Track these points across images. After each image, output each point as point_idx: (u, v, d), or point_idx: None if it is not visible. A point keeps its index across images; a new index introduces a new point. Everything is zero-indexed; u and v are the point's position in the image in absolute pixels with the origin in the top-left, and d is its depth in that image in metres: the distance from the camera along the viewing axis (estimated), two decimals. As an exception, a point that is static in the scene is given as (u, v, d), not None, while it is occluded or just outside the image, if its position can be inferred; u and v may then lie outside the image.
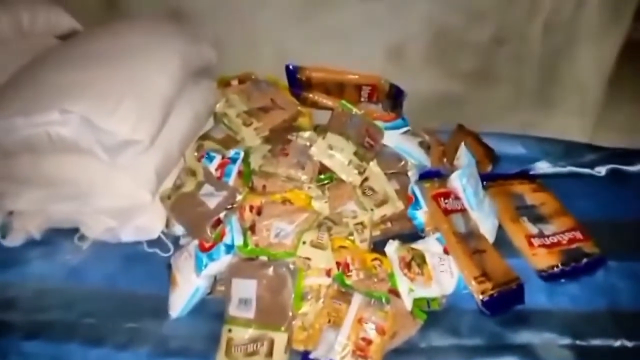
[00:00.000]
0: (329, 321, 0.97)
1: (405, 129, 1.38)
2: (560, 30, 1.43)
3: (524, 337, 1.03)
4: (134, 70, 1.19)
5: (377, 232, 1.20)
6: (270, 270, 1.00)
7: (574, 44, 1.45)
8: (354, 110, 1.37)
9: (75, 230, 1.20)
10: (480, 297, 1.04)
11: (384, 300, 0.98)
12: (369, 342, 0.94)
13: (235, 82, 1.51)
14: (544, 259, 1.15)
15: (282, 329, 0.96)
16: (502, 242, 1.20)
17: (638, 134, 1.52)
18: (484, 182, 1.29)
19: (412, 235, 1.19)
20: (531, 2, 1.40)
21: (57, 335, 1.02)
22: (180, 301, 1.05)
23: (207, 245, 1.06)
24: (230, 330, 0.97)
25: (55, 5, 1.44)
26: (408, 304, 1.02)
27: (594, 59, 1.47)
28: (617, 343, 1.02)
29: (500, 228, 1.23)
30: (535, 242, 1.19)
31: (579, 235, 1.20)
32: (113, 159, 1.09)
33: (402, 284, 1.04)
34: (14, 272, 1.15)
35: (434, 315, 1.05)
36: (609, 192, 1.38)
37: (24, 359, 1.01)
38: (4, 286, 1.12)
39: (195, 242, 1.09)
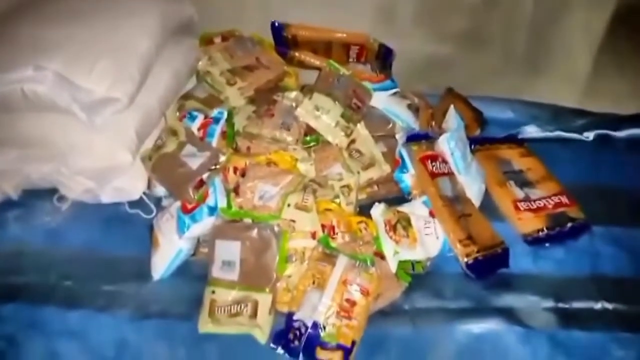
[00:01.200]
0: (313, 283, 0.96)
1: (393, 90, 1.35)
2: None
3: (508, 300, 1.04)
4: (111, 28, 1.15)
5: (363, 195, 1.19)
6: (255, 233, 0.99)
7: (565, 10, 1.44)
8: (342, 70, 1.33)
9: (54, 191, 1.17)
10: (465, 260, 1.04)
11: (369, 262, 0.98)
12: (353, 303, 0.93)
13: (218, 40, 1.45)
14: (530, 223, 1.16)
15: (267, 290, 0.96)
16: (488, 206, 1.20)
17: (626, 100, 1.51)
18: (472, 146, 1.28)
19: (398, 198, 1.18)
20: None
21: (34, 298, 1.00)
22: (162, 263, 1.03)
23: (189, 206, 1.04)
24: (213, 292, 0.96)
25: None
26: (393, 267, 1.02)
27: (584, 25, 1.46)
28: (598, 305, 1.03)
29: (486, 192, 1.23)
30: (521, 206, 1.19)
31: (564, 200, 1.20)
32: (91, 118, 1.05)
33: (388, 246, 1.03)
34: (-10, 234, 1.12)
35: (419, 277, 1.05)
36: (596, 158, 1.39)
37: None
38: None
39: (178, 203, 1.07)
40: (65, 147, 1.09)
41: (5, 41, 1.08)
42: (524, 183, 1.24)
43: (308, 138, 1.22)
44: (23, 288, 1.02)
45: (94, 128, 1.07)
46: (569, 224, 1.15)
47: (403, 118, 1.30)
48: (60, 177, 1.13)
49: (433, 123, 1.32)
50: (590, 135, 1.44)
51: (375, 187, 1.20)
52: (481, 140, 1.35)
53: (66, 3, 1.20)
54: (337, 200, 1.11)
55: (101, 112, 1.05)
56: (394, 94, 1.36)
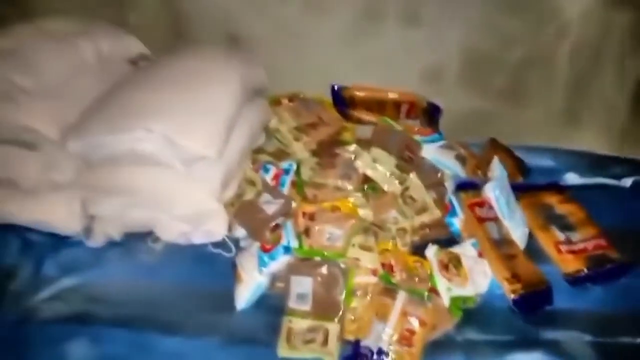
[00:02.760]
0: (376, 314, 1.10)
1: (441, 142, 1.51)
2: (586, 53, 1.54)
3: (552, 334, 1.13)
4: (202, 92, 1.35)
5: (416, 237, 1.32)
6: (324, 269, 1.15)
7: (599, 65, 1.57)
8: (395, 125, 1.51)
9: (150, 233, 1.36)
10: (512, 296, 1.16)
11: (425, 296, 1.11)
12: (412, 332, 1.07)
13: (285, 101, 1.65)
14: (571, 264, 1.26)
15: (336, 320, 1.10)
16: (532, 248, 1.31)
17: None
18: (515, 193, 1.41)
19: (448, 240, 1.31)
20: (558, 27, 1.52)
21: (137, 325, 1.16)
22: (244, 295, 1.19)
23: (267, 246, 1.21)
24: (290, 321, 1.11)
25: (128, 33, 1.61)
26: (446, 301, 1.15)
27: (618, 78, 1.59)
28: (638, 340, 1.12)
29: (530, 236, 1.34)
30: (563, 248, 1.30)
31: (603, 242, 1.30)
32: (187, 170, 1.25)
33: (441, 283, 1.16)
34: (97, 270, 1.30)
35: (469, 312, 1.17)
36: (634, 203, 1.48)
37: (109, 343, 1.15)
38: (90, 282, 1.27)
39: (257, 243, 1.24)
40: (164, 196, 1.30)
41: (116, 106, 1.30)
42: (565, 227, 1.35)
43: (366, 186, 1.38)
44: (128, 317, 1.18)
45: (190, 180, 1.28)
46: (608, 265, 1.26)
47: (451, 167, 1.45)
48: (158, 222, 1.33)
49: (479, 172, 1.46)
50: (628, 182, 1.55)
51: (427, 230, 1.34)
52: (524, 187, 1.47)
53: (162, 72, 1.43)
54: (394, 242, 1.26)
55: (196, 165, 1.26)
56: (442, 145, 1.51)
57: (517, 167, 1.55)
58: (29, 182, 1.34)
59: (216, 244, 1.33)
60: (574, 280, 1.24)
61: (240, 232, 1.34)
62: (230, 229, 1.35)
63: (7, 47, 1.35)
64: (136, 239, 1.36)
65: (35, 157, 1.34)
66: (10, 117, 1.30)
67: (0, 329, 1.18)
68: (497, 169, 1.37)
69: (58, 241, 1.36)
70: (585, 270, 1.24)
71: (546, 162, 1.60)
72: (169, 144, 1.23)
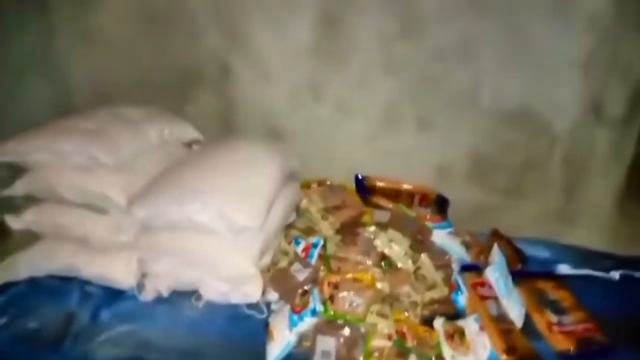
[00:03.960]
0: (390, 373, 1.28)
1: (449, 229, 1.74)
2: (575, 161, 1.81)
3: (543, 404, 1.30)
4: (248, 175, 1.61)
5: (426, 311, 1.51)
6: (346, 331, 1.34)
7: (587, 172, 1.82)
8: (409, 212, 1.75)
9: (193, 292, 1.56)
10: (508, 366, 1.33)
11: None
12: (421, 391, 1.24)
13: (315, 185, 1.91)
14: (562, 343, 1.43)
15: (355, 376, 1.28)
16: (528, 327, 1.49)
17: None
18: (514, 277, 1.60)
19: (454, 315, 1.50)
20: (552, 138, 1.79)
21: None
22: (275, 351, 1.37)
23: (297, 308, 1.41)
24: (315, 375, 1.29)
25: (185, 121, 1.90)
26: (451, 367, 1.32)
27: (606, 183, 1.83)
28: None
29: (526, 316, 1.52)
30: (555, 329, 1.47)
31: (591, 326, 1.48)
32: (235, 239, 1.48)
33: (447, 351, 1.34)
34: (147, 321, 1.49)
35: (471, 379, 1.34)
36: (621, 294, 1.66)
37: None
38: (140, 331, 1.46)
39: (287, 306, 1.44)
40: (210, 259, 1.52)
41: (179, 182, 1.56)
42: (557, 310, 1.53)
43: (383, 263, 1.59)
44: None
45: (233, 247, 1.50)
46: (594, 346, 1.42)
47: (457, 252, 1.67)
48: (202, 282, 1.53)
49: (482, 257, 1.67)
50: (616, 275, 1.73)
51: (436, 305, 1.53)
52: (522, 274, 1.67)
53: (215, 156, 1.69)
54: (407, 313, 1.45)
55: (242, 235, 1.49)
56: (450, 232, 1.74)
57: (516, 255, 1.75)
58: (97, 241, 1.57)
59: (250, 306, 1.53)
60: (564, 358, 1.40)
61: (272, 296, 1.54)
62: (263, 292, 1.55)
63: (92, 128, 1.63)
64: (181, 296, 1.56)
65: (105, 220, 1.58)
66: (89, 186, 1.56)
67: (63, 367, 1.36)
68: (496, 254, 1.59)
69: (113, 294, 1.57)
70: (573, 350, 1.41)
71: (542, 253, 1.80)
72: (221, 216, 1.47)
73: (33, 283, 1.59)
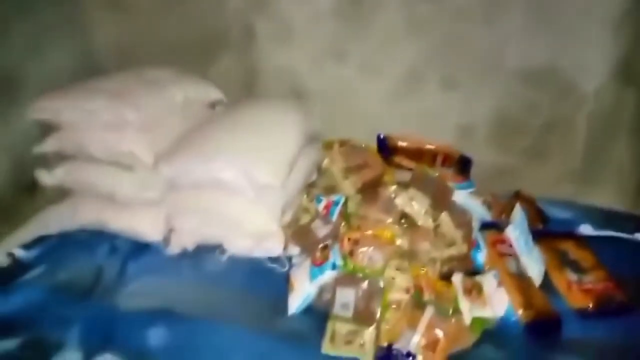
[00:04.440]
0: (407, 324, 1.31)
1: (471, 189, 1.74)
2: (601, 122, 1.78)
3: (559, 359, 1.31)
4: (270, 134, 1.63)
5: (445, 267, 1.52)
6: (365, 284, 1.37)
7: (613, 133, 1.79)
8: (431, 172, 1.75)
9: (217, 246, 1.61)
10: (525, 320, 1.35)
11: (450, 312, 1.31)
12: (437, 341, 1.26)
13: (337, 145, 1.91)
14: (580, 300, 1.44)
15: (373, 327, 1.31)
16: (547, 285, 1.49)
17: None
18: (535, 237, 1.60)
19: (472, 271, 1.51)
20: (576, 99, 1.76)
21: (205, 318, 1.38)
22: (296, 301, 1.41)
23: (318, 262, 1.45)
24: (334, 325, 1.32)
25: (208, 82, 1.93)
26: (467, 320, 1.34)
27: (630, 145, 1.79)
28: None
29: (546, 275, 1.53)
30: (574, 287, 1.48)
31: (611, 285, 1.48)
32: (257, 196, 1.51)
33: (464, 304, 1.36)
34: (172, 273, 1.55)
35: (487, 333, 1.35)
36: (643, 255, 1.65)
37: (182, 332, 1.36)
38: (166, 283, 1.52)
39: (308, 260, 1.48)
40: (234, 216, 1.56)
41: (203, 141, 1.59)
42: (577, 269, 1.53)
43: (403, 221, 1.61)
44: (198, 312, 1.41)
45: (256, 204, 1.54)
46: (613, 304, 1.43)
47: (478, 211, 1.67)
48: (226, 237, 1.58)
49: (503, 216, 1.67)
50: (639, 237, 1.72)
51: (454, 262, 1.54)
52: (543, 233, 1.66)
53: (239, 116, 1.72)
54: (425, 269, 1.47)
55: (264, 192, 1.52)
56: (472, 192, 1.74)
57: (538, 215, 1.75)
58: (124, 197, 1.63)
59: (272, 260, 1.57)
60: (582, 315, 1.41)
61: (293, 251, 1.58)
62: (285, 247, 1.59)
63: (120, 88, 1.67)
64: (205, 250, 1.61)
65: (132, 177, 1.63)
66: (117, 144, 1.61)
67: (92, 314, 1.42)
68: (518, 213, 1.58)
69: (140, 247, 1.63)
70: (591, 306, 1.42)
71: (564, 214, 1.79)
72: (244, 173, 1.50)
73: (64, 237, 1.66)
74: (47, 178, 1.69)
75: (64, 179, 1.69)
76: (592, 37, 1.73)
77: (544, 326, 1.36)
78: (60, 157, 1.70)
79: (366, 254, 1.45)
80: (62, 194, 1.74)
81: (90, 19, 1.98)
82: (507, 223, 1.58)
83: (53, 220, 1.68)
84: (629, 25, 1.69)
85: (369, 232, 1.53)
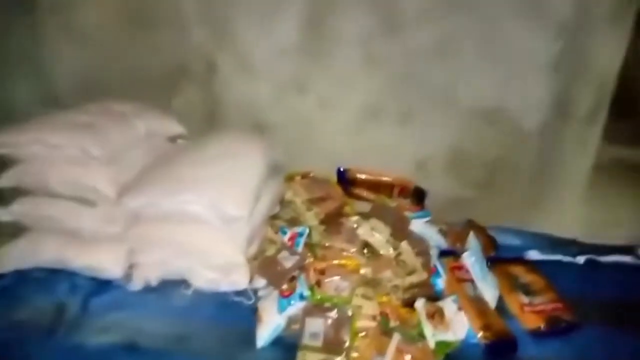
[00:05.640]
0: (376, 350, 1.35)
1: (427, 218, 1.82)
2: (545, 156, 1.93)
3: (516, 377, 1.40)
4: (235, 167, 1.65)
5: (407, 295, 1.59)
6: (334, 313, 1.41)
7: (556, 163, 1.94)
8: (389, 202, 1.83)
9: (181, 281, 1.60)
10: (484, 341, 1.42)
11: (416, 338, 1.37)
12: (405, 366, 1.32)
13: (299, 178, 1.97)
14: (533, 321, 1.53)
15: (343, 355, 1.34)
16: (501, 308, 1.58)
17: (611, 232, 1.95)
18: (488, 263, 1.70)
19: (433, 296, 1.58)
20: (523, 134, 1.91)
21: (173, 354, 1.39)
22: (265, 333, 1.42)
23: (286, 293, 1.47)
24: (304, 355, 1.35)
25: (171, 116, 1.94)
26: (432, 344, 1.40)
27: (572, 175, 1.95)
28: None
29: (500, 298, 1.62)
30: (526, 308, 1.57)
31: (560, 306, 1.58)
32: (224, 228, 1.53)
33: (428, 329, 1.42)
34: (137, 309, 1.53)
35: (451, 355, 1.41)
36: (586, 276, 1.77)
37: None
38: (131, 319, 1.50)
39: (275, 292, 1.50)
40: (200, 248, 1.56)
41: (169, 175, 1.60)
42: (528, 292, 1.63)
43: (366, 250, 1.67)
44: (166, 347, 1.40)
45: (221, 236, 1.55)
46: (563, 324, 1.53)
47: (435, 239, 1.76)
48: (191, 271, 1.58)
49: (458, 244, 1.77)
50: (581, 260, 1.85)
51: (416, 289, 1.61)
52: (495, 259, 1.76)
53: (204, 149, 1.74)
54: (389, 296, 1.53)
55: (231, 224, 1.54)
56: (428, 221, 1.83)
57: (490, 243, 1.85)
58: (87, 233, 1.60)
59: (238, 293, 1.58)
60: (535, 335, 1.50)
61: (259, 283, 1.60)
62: (251, 280, 1.60)
63: (83, 122, 1.65)
64: (170, 285, 1.60)
65: (94, 212, 1.61)
66: (80, 179, 1.59)
67: (57, 351, 1.39)
68: (472, 241, 1.68)
69: (101, 284, 1.60)
70: (543, 327, 1.51)
71: (513, 240, 1.91)
72: (212, 206, 1.52)
73: (19, 275, 1.61)
74: (3, 214, 1.64)
75: (22, 215, 1.64)
76: (532, 78, 1.89)
77: (502, 347, 1.44)
78: (17, 192, 1.66)
79: (333, 283, 1.49)
80: (19, 230, 1.69)
81: (51, 51, 1.96)
82: (462, 250, 1.67)
83: (9, 258, 1.62)
84: (563, 67, 1.86)
85: (335, 261, 1.58)
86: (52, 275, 1.61)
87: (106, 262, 1.60)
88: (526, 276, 1.71)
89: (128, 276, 1.61)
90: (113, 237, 1.60)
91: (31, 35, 1.88)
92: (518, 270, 1.74)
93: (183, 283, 1.60)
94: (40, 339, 1.42)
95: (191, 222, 1.56)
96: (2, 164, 1.65)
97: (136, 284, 1.59)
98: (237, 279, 1.58)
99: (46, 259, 1.62)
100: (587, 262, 1.85)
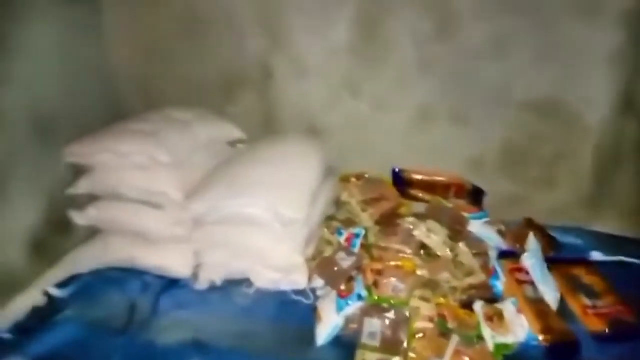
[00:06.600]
0: (433, 352, 1.37)
1: (485, 219, 1.81)
2: (606, 151, 1.87)
3: (579, 380, 1.38)
4: (292, 170, 1.72)
5: (464, 296, 1.59)
6: (392, 314, 1.43)
7: (617, 161, 1.88)
8: (446, 203, 1.83)
9: (244, 280, 1.68)
10: (544, 344, 1.41)
11: (475, 340, 1.38)
12: (464, 368, 1.33)
13: (354, 179, 2.00)
14: (596, 324, 1.50)
15: (400, 355, 1.37)
16: (563, 310, 1.56)
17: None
18: (548, 264, 1.67)
19: (491, 299, 1.57)
20: (582, 128, 1.86)
21: (237, 351, 1.45)
22: (324, 332, 1.47)
23: (344, 293, 1.51)
24: (363, 354, 1.38)
25: (230, 122, 2.01)
26: (491, 346, 1.40)
27: (634, 172, 1.88)
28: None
29: (562, 300, 1.60)
30: (590, 311, 1.54)
31: (624, 309, 1.54)
32: (283, 230, 1.59)
33: (486, 332, 1.43)
34: (203, 307, 1.61)
35: (509, 357, 1.41)
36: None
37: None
38: (198, 317, 1.59)
39: (334, 292, 1.54)
40: (260, 250, 1.63)
41: (231, 179, 1.68)
42: (591, 294, 1.60)
43: (423, 252, 1.68)
44: (230, 345, 1.47)
45: (281, 238, 1.61)
46: (627, 328, 1.49)
47: (493, 240, 1.75)
48: (253, 271, 1.65)
49: (517, 245, 1.75)
50: (647, 262, 1.79)
51: (474, 290, 1.61)
52: (556, 260, 1.73)
53: (262, 154, 1.81)
54: (446, 298, 1.54)
55: (288, 226, 1.59)
56: (486, 222, 1.82)
57: (549, 243, 1.82)
58: (155, 235, 1.70)
59: (297, 292, 1.64)
60: (598, 338, 1.48)
61: (317, 283, 1.65)
62: (309, 280, 1.66)
63: (148, 130, 1.75)
64: (233, 284, 1.68)
65: (162, 215, 1.71)
66: (148, 184, 1.69)
67: (130, 349, 1.48)
68: (532, 242, 1.66)
69: (170, 283, 1.70)
70: (607, 331, 1.48)
71: (574, 240, 1.87)
72: (270, 209, 1.58)
73: (96, 274, 1.73)
74: (79, 218, 1.76)
75: (96, 219, 1.77)
76: (592, 72, 1.83)
77: (563, 349, 1.42)
78: (91, 198, 1.78)
79: (390, 284, 1.52)
80: (93, 233, 1.81)
81: (115, 58, 2.07)
82: (522, 251, 1.65)
83: (85, 259, 1.75)
84: (625, 60, 1.80)
85: (392, 263, 1.60)
86: (125, 275, 1.72)
87: (175, 262, 1.70)
88: (587, 278, 1.68)
89: (195, 276, 1.70)
90: (180, 239, 1.70)
91: (98, 47, 2.00)
92: (579, 272, 1.70)
93: (245, 282, 1.67)
94: (115, 337, 1.51)
95: (251, 225, 1.63)
96: (78, 171, 1.77)
97: (202, 284, 1.68)
98: (296, 279, 1.63)
99: (119, 259, 1.74)
100: (654, 263, 1.79)
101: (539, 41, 1.81)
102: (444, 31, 1.85)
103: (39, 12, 1.69)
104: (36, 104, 1.69)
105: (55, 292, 1.65)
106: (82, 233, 1.83)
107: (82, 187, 1.75)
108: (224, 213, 1.62)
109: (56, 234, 1.78)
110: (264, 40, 2.01)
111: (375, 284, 1.53)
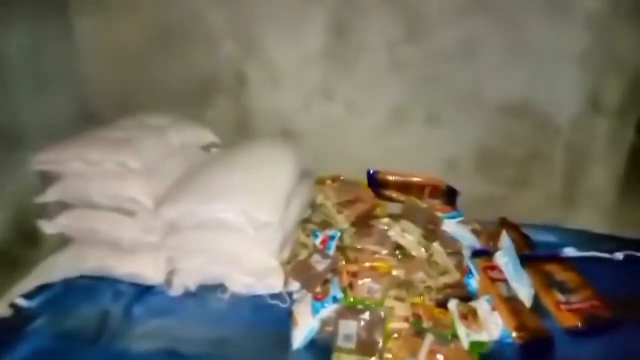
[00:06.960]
0: (409, 351, 1.36)
1: (459, 218, 1.82)
2: (577, 150, 1.90)
3: (553, 376, 1.38)
4: (266, 174, 1.71)
5: (440, 295, 1.59)
6: (367, 315, 1.43)
7: (589, 159, 1.91)
8: (420, 204, 1.84)
9: (218, 285, 1.65)
10: (518, 341, 1.41)
11: (449, 337, 1.38)
12: (439, 367, 1.33)
13: (329, 181, 2.00)
14: (569, 319, 1.51)
15: (376, 356, 1.36)
16: (537, 306, 1.57)
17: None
18: (522, 261, 1.68)
19: (466, 297, 1.58)
20: (554, 130, 1.89)
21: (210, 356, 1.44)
22: (300, 336, 1.46)
23: (319, 296, 1.50)
24: (338, 357, 1.38)
25: (204, 126, 2.00)
26: (465, 344, 1.40)
27: (606, 168, 1.92)
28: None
29: (536, 297, 1.61)
30: (563, 307, 1.55)
31: (597, 303, 1.56)
32: (257, 234, 1.57)
33: (461, 330, 1.43)
34: (177, 314, 1.59)
35: (484, 355, 1.41)
36: (626, 273, 1.74)
37: None
38: (172, 324, 1.55)
39: (309, 295, 1.53)
40: (235, 254, 1.61)
41: (203, 184, 1.66)
42: (564, 290, 1.62)
43: (398, 252, 1.68)
44: (206, 352, 1.44)
45: (255, 242, 1.60)
46: (601, 322, 1.51)
47: (467, 239, 1.75)
48: (228, 276, 1.63)
49: (490, 243, 1.76)
50: (620, 256, 1.81)
51: (449, 289, 1.61)
52: (530, 257, 1.74)
53: (235, 158, 1.80)
54: (422, 297, 1.54)
55: (262, 230, 1.58)
56: (460, 221, 1.82)
57: (524, 240, 1.83)
58: (127, 242, 1.67)
59: (273, 296, 1.62)
60: (572, 333, 1.49)
61: (293, 286, 1.64)
62: (285, 283, 1.64)
63: (120, 137, 1.73)
64: (208, 290, 1.65)
65: (134, 222, 1.68)
66: (119, 191, 1.66)
67: (103, 359, 1.45)
68: (505, 240, 1.67)
69: (143, 290, 1.67)
70: (580, 325, 1.49)
71: (548, 237, 1.89)
72: (244, 213, 1.56)
73: (67, 284, 1.69)
74: (49, 227, 1.73)
75: (66, 227, 1.73)
76: (560, 72, 1.87)
77: (537, 346, 1.43)
78: (61, 206, 1.74)
79: (365, 285, 1.51)
80: (63, 242, 1.78)
81: (86, 67, 2.04)
82: (495, 249, 1.66)
83: (55, 269, 1.71)
84: (592, 60, 1.83)
85: (367, 264, 1.60)
86: (97, 283, 1.68)
87: (148, 269, 1.67)
88: (562, 274, 1.70)
89: (168, 282, 1.67)
90: (152, 246, 1.67)
91: (68, 52, 1.97)
92: (553, 268, 1.72)
93: (220, 287, 1.65)
94: (87, 347, 1.47)
95: (225, 229, 1.61)
96: (47, 178, 1.73)
97: (176, 290, 1.65)
98: (272, 283, 1.62)
99: (90, 268, 1.70)
100: (627, 258, 1.81)
101: (507, 43, 1.84)
102: (414, 34, 1.87)
103: (8, 25, 1.68)
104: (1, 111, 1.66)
105: (22, 302, 1.61)
106: (51, 243, 1.79)
107: (51, 195, 1.72)
108: (197, 218, 1.61)
109: (24, 244, 1.74)
110: (237, 47, 2.01)
111: (351, 286, 1.52)
